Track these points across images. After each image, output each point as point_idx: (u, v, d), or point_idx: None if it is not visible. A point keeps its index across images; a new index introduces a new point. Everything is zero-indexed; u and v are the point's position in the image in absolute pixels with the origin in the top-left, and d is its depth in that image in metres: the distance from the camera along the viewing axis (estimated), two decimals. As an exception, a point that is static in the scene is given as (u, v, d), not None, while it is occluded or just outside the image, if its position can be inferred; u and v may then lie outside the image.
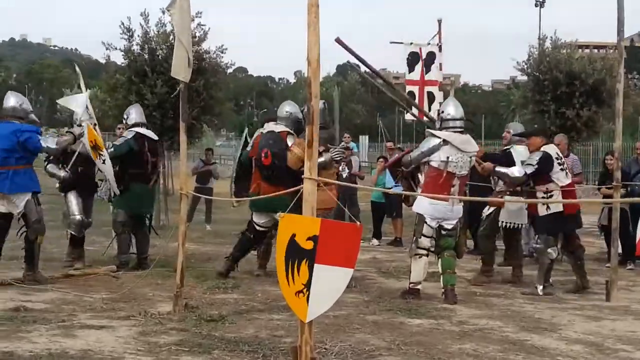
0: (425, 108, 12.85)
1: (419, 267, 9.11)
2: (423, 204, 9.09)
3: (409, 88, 12.71)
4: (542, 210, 9.80)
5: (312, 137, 5.27)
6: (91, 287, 9.31)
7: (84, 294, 8.78)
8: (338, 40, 9.36)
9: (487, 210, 10.79)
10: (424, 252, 9.12)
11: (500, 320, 8.00)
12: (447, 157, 8.97)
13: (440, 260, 9.17)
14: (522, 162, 10.14)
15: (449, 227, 9.13)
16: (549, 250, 9.67)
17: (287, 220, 5.34)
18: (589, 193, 24.26)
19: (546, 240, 9.70)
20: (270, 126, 10.22)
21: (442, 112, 9.39)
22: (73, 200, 11.05)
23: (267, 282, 9.75)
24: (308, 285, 5.24)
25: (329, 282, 5.29)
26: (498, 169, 9.94)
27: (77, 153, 10.35)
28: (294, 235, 5.27)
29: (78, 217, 11.03)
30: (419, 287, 9.13)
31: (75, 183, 10.99)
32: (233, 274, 10.46)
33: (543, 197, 9.78)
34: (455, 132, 9.13)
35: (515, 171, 9.79)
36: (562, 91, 15.46)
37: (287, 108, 10.34)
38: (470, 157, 9.23)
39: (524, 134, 10.57)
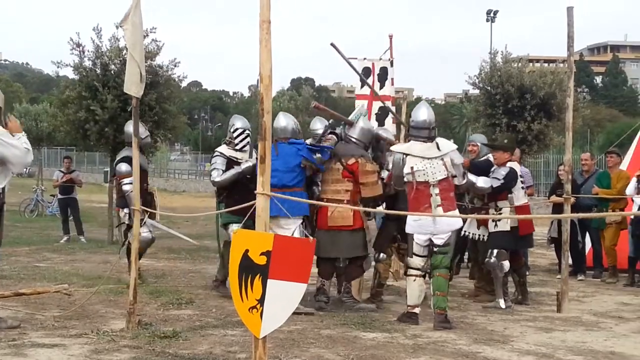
0: (374, 123, 12.83)
1: (413, 289, 8.61)
2: (409, 223, 8.71)
3: (359, 102, 12.76)
4: (491, 227, 9.89)
5: (265, 153, 5.28)
6: (42, 305, 9.18)
7: (35, 312, 8.66)
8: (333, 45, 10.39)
9: (479, 231, 10.37)
10: (418, 272, 8.62)
11: (453, 333, 8.04)
12: (411, 168, 8.61)
13: (432, 279, 8.67)
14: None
15: (440, 242, 8.57)
16: (501, 263, 9.73)
17: (241, 236, 5.34)
18: (540, 205, 24.63)
19: (499, 254, 9.76)
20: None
21: (411, 118, 9.03)
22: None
23: (221, 298, 9.72)
24: (262, 300, 5.24)
25: (283, 298, 5.29)
26: (469, 175, 9.61)
27: None
28: (247, 251, 5.27)
29: (147, 234, 11.05)
30: (416, 310, 8.59)
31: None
32: (188, 290, 10.43)
33: (493, 213, 9.87)
34: (418, 140, 8.77)
35: (481, 181, 9.61)
36: (513, 105, 15.67)
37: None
38: (442, 159, 8.68)
39: (493, 146, 10.49)
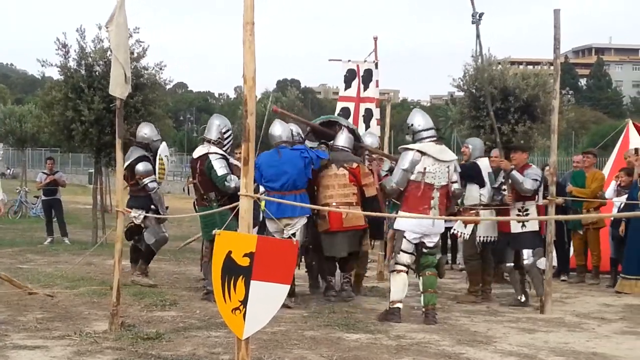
0: (362, 125, 13.01)
1: (398, 284, 8.75)
2: (402, 220, 8.87)
3: (343, 104, 12.84)
4: (516, 228, 9.89)
5: (248, 155, 5.28)
6: (25, 306, 9.13)
7: (17, 314, 8.62)
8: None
9: (464, 230, 10.56)
10: (403, 268, 8.78)
11: (436, 334, 8.07)
12: (424, 168, 8.73)
13: (421, 278, 8.89)
14: (488, 174, 10.33)
15: (431, 244, 8.83)
16: (540, 259, 9.74)
17: (224, 237, 5.34)
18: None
19: (537, 252, 9.73)
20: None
21: (412, 125, 9.10)
22: (153, 218, 11.11)
23: (205, 299, 9.69)
24: (244, 302, 5.25)
25: (266, 299, 5.30)
26: (514, 172, 9.80)
27: None
28: (230, 252, 5.27)
29: (165, 234, 11.36)
30: (399, 305, 8.73)
31: (150, 202, 11.22)
32: (172, 291, 10.41)
33: (518, 214, 9.89)
34: (430, 142, 8.93)
35: (528, 184, 9.73)
36: (497, 107, 15.68)
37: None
38: (448, 167, 8.91)
39: (511, 147, 10.63)
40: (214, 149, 9.94)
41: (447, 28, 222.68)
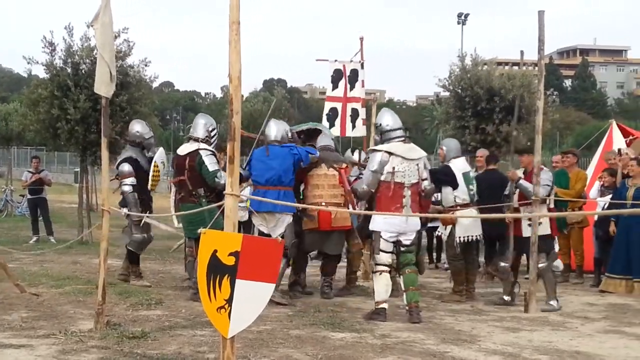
0: (349, 125, 13.10)
1: (381, 285, 8.82)
2: (377, 220, 8.93)
3: (331, 105, 12.90)
4: (527, 232, 9.84)
5: (234, 154, 5.29)
6: (10, 305, 9.12)
7: (2, 313, 8.60)
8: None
9: (444, 231, 10.55)
10: (385, 267, 8.86)
11: (421, 333, 8.11)
12: (393, 168, 8.83)
13: (402, 277, 8.95)
14: (463, 175, 10.30)
15: (407, 242, 8.92)
16: (555, 263, 9.76)
17: (209, 236, 5.35)
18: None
19: (551, 255, 9.72)
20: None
21: (380, 124, 9.23)
22: (130, 219, 11.09)
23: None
24: (230, 300, 5.26)
25: (251, 298, 5.32)
26: (522, 181, 9.88)
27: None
28: (215, 251, 5.28)
29: (140, 235, 11.20)
30: (384, 305, 8.79)
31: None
32: (158, 290, 10.41)
33: (528, 219, 9.92)
34: (398, 141, 9.02)
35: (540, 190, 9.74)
36: (482, 107, 15.75)
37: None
38: (417, 165, 9.00)
39: (518, 150, 10.70)
40: (203, 145, 9.95)
41: (434, 28, 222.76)
